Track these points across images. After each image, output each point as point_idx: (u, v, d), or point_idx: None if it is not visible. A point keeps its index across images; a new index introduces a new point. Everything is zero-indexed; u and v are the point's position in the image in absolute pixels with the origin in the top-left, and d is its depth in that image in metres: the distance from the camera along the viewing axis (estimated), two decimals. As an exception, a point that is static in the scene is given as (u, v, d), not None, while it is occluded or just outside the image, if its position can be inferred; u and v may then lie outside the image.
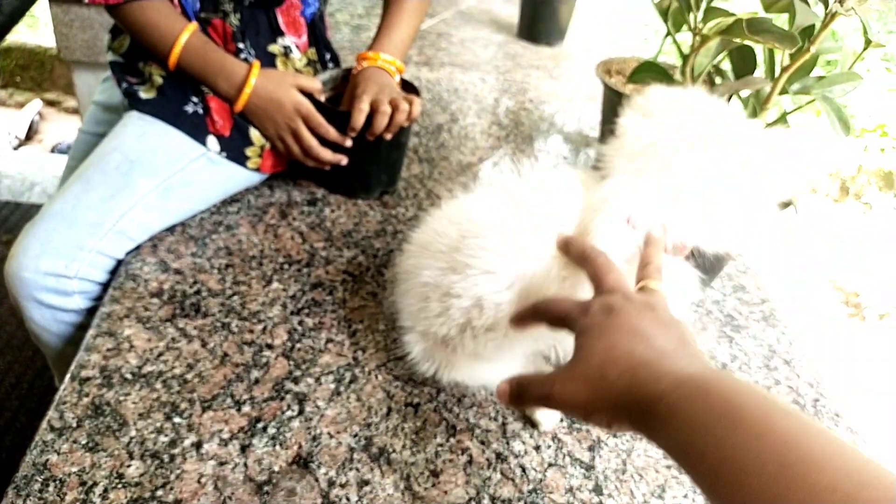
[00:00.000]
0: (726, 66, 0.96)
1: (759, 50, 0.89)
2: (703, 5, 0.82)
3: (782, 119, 0.89)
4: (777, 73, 0.85)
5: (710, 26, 0.83)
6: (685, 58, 0.90)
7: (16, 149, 3.25)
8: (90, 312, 0.94)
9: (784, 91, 0.86)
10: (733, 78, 0.93)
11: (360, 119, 1.00)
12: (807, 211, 3.55)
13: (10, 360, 1.65)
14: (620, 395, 0.45)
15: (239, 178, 1.05)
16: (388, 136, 1.03)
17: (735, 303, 1.04)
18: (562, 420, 0.79)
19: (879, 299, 2.78)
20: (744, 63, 0.90)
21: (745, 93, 0.92)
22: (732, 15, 0.79)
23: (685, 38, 0.93)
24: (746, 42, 0.86)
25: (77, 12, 1.82)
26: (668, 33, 0.97)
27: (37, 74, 3.86)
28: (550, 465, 0.74)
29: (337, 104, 1.09)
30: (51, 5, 1.83)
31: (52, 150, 3.28)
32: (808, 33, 0.81)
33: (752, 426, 0.36)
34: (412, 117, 1.04)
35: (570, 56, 1.85)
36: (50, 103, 3.79)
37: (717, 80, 0.94)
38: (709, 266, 0.70)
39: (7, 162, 2.74)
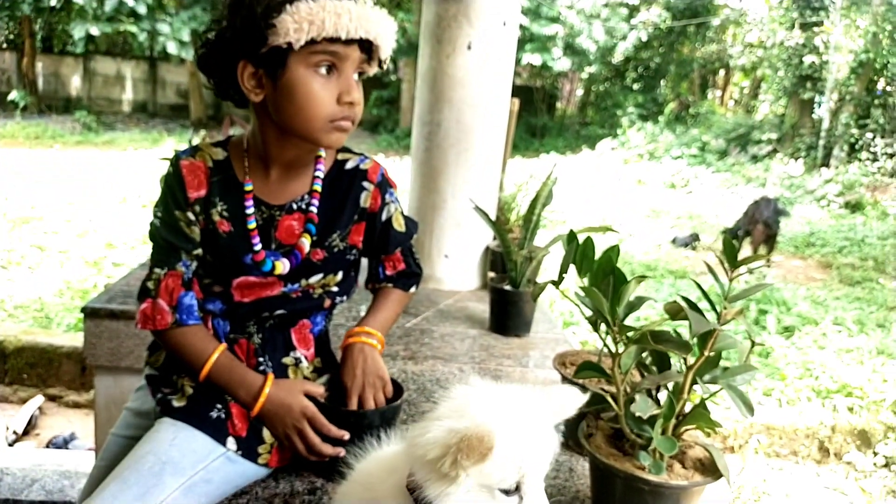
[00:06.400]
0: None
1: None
2: (617, 324, 1.08)
3: (702, 405, 1.10)
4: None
5: (626, 336, 1.07)
6: (613, 357, 1.13)
7: (11, 444, 3.33)
8: None
9: (694, 381, 1.08)
10: (657, 371, 1.16)
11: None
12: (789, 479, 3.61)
13: None
14: None
15: (250, 473, 1.21)
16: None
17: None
18: None
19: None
20: (661, 361, 1.13)
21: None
22: (639, 330, 1.04)
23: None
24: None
25: (107, 325, 2.10)
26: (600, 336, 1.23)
27: (43, 371, 4.09)
28: None
29: (334, 399, 1.30)
30: (85, 319, 2.12)
31: (48, 445, 3.36)
32: (707, 337, 1.06)
33: None
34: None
35: (536, 345, 2.12)
36: (51, 398, 3.96)
37: (645, 374, 1.17)
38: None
39: (5, 458, 2.82)
